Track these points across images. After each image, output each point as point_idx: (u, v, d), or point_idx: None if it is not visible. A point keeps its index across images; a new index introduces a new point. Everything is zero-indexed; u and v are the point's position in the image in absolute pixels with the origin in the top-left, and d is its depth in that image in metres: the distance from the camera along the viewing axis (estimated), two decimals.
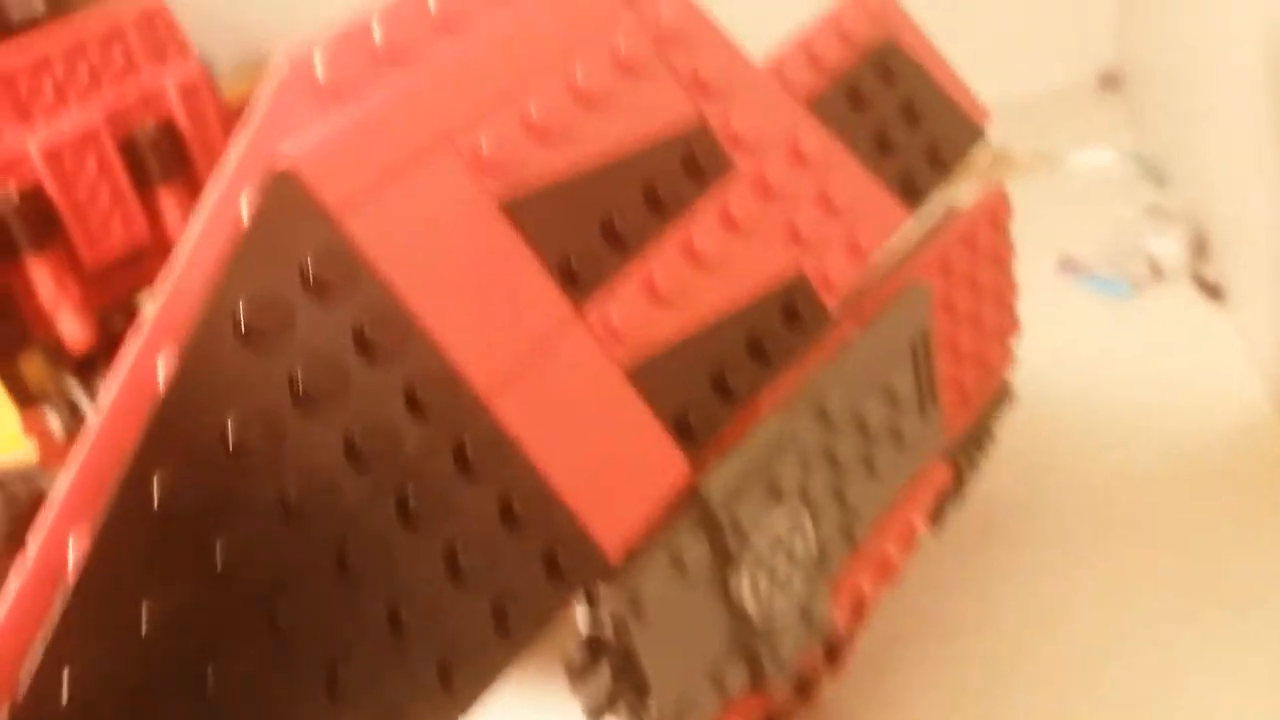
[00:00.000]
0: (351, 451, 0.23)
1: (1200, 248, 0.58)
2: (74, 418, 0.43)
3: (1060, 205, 0.67)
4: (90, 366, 0.43)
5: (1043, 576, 0.45)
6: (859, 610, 0.37)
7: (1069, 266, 0.61)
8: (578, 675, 0.28)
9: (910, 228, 0.32)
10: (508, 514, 0.24)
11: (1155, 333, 0.55)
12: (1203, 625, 0.41)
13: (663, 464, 0.26)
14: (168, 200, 0.43)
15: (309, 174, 0.23)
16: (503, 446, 0.24)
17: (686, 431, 0.27)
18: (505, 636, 0.24)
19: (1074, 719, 0.40)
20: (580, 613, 0.27)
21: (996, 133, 0.73)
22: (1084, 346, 0.56)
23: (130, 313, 0.43)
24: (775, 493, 0.29)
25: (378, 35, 0.24)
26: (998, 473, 0.50)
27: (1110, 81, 0.76)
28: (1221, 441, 0.48)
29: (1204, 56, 0.58)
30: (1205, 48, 0.58)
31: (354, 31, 0.25)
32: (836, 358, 0.31)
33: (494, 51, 0.26)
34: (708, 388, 0.27)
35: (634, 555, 0.27)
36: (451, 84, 0.25)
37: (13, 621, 0.20)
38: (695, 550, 0.27)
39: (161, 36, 0.53)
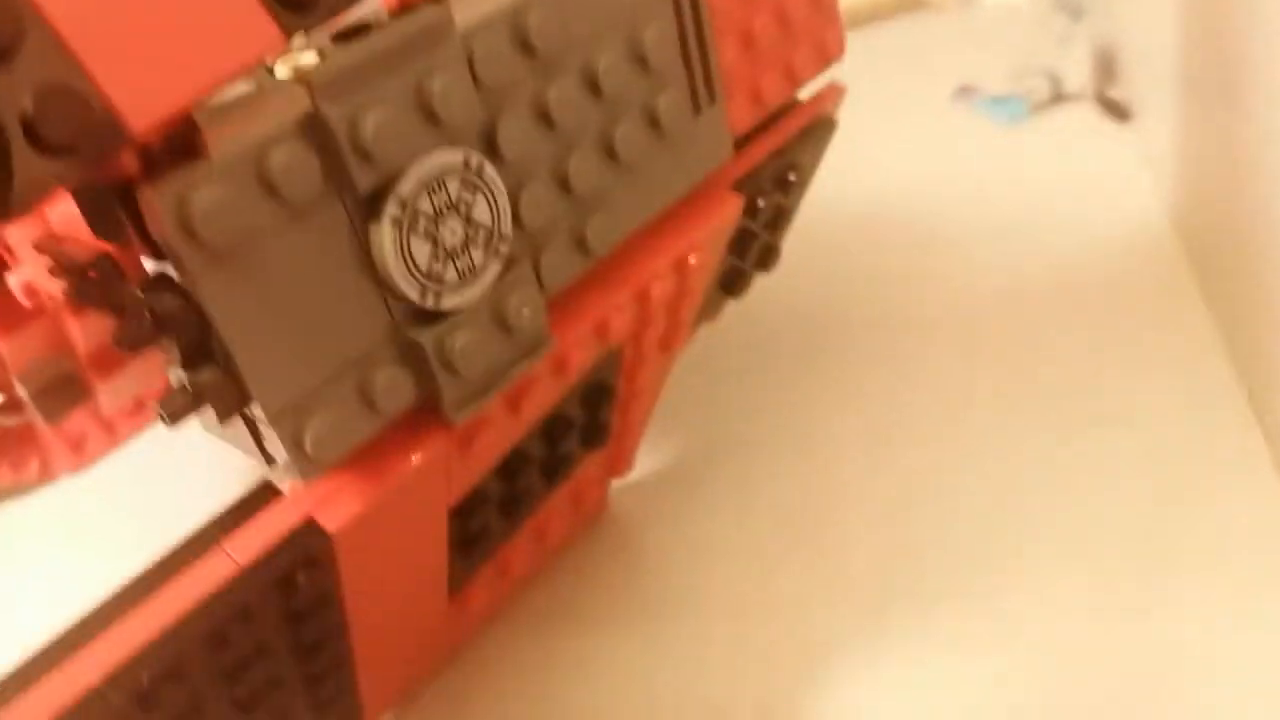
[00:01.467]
0: None
1: (1107, 68, 0.51)
2: None
3: (968, 41, 0.60)
4: None
5: (898, 393, 0.38)
6: (632, 359, 0.29)
7: (964, 94, 0.54)
8: (126, 345, 0.20)
9: None
10: None
11: (1052, 153, 0.48)
12: (1067, 443, 0.34)
13: (241, 25, 0.19)
14: None
15: None
16: None
17: None
18: None
19: (917, 541, 0.32)
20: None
21: None
22: (973, 169, 0.49)
23: None
24: (429, 115, 0.21)
25: None
26: (857, 291, 0.43)
27: None
28: (1114, 260, 0.41)
29: None
30: None
31: None
32: None
33: None
34: None
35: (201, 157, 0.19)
36: None
37: None
38: (297, 165, 0.19)
39: None
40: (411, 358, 0.23)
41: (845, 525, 0.33)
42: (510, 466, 0.28)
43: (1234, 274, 0.35)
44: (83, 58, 0.17)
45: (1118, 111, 0.49)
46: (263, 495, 0.23)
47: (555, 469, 0.30)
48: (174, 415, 0.21)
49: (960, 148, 0.50)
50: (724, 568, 0.33)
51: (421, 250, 0.22)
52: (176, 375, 0.21)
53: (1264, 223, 0.31)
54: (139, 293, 0.19)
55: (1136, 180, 0.45)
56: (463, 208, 0.22)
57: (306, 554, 0.22)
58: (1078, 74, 0.51)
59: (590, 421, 0.30)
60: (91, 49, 0.17)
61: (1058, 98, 0.51)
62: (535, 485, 0.29)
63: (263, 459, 0.22)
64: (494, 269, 0.23)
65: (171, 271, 0.19)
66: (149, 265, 0.20)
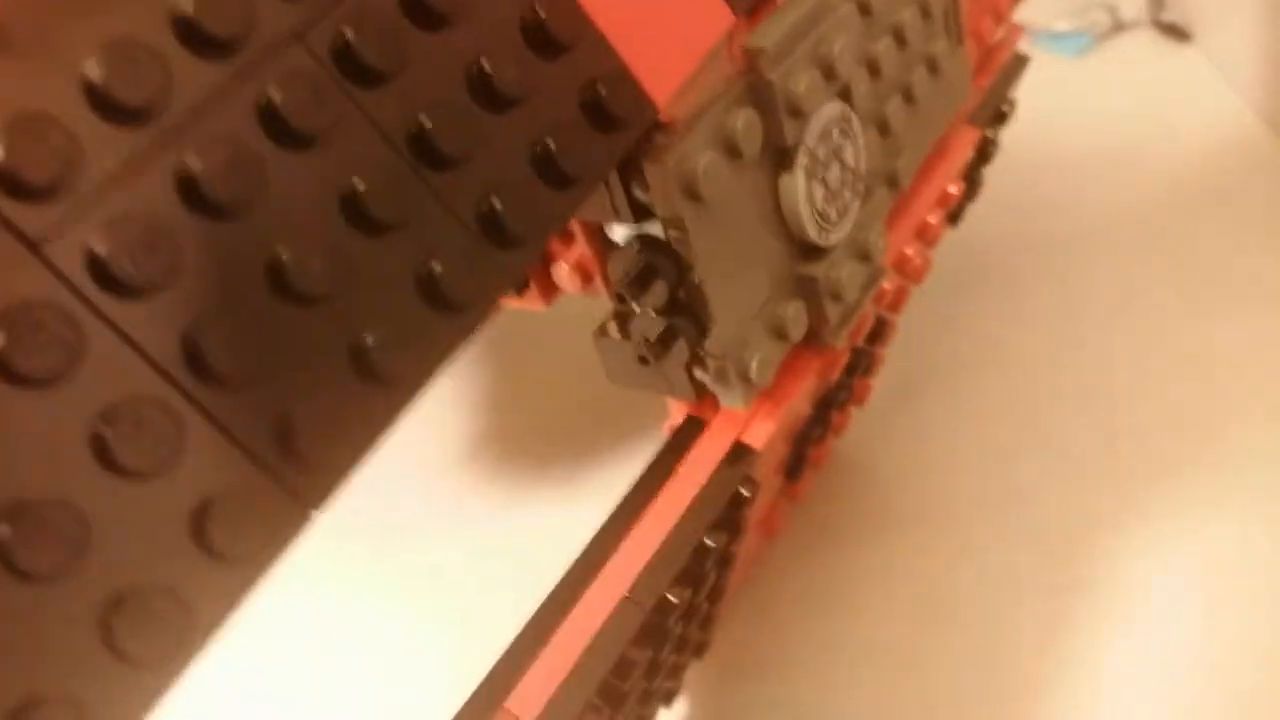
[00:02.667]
0: None
1: None
2: None
3: None
4: None
5: (1066, 302, 0.42)
6: (897, 291, 0.33)
7: None
8: (630, 292, 0.23)
9: None
10: (537, 32, 0.19)
11: (1130, 77, 0.52)
12: (1214, 322, 0.38)
13: (705, 10, 0.22)
14: None
15: None
16: None
17: None
18: (555, 186, 0.19)
19: (1101, 426, 0.36)
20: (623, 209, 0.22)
21: None
22: (1057, 100, 0.53)
23: None
24: (827, 71, 0.24)
25: None
26: (985, 222, 0.47)
27: None
28: (1220, 160, 0.46)
29: None
30: None
31: None
32: None
33: None
34: None
35: (681, 128, 0.22)
36: None
37: None
38: (752, 126, 0.23)
39: None
40: (802, 291, 0.26)
41: (1058, 422, 0.37)
42: (826, 395, 0.31)
43: None
44: (617, 45, 0.20)
45: (1177, 33, 0.53)
46: (691, 427, 0.26)
47: (845, 397, 0.33)
48: (653, 357, 0.24)
49: (1037, 81, 0.54)
50: (956, 475, 0.37)
51: (818, 193, 0.25)
52: (646, 323, 0.24)
53: None
54: (636, 250, 0.22)
55: (1216, 89, 0.49)
56: (840, 153, 0.25)
57: (744, 471, 0.25)
58: (1133, 3, 0.55)
59: (869, 350, 0.33)
60: (620, 36, 0.20)
61: (1117, 27, 0.55)
62: (833, 413, 0.33)
63: (691, 392, 0.25)
64: (857, 206, 0.26)
65: (656, 230, 0.22)
66: (621, 229, 0.23)
